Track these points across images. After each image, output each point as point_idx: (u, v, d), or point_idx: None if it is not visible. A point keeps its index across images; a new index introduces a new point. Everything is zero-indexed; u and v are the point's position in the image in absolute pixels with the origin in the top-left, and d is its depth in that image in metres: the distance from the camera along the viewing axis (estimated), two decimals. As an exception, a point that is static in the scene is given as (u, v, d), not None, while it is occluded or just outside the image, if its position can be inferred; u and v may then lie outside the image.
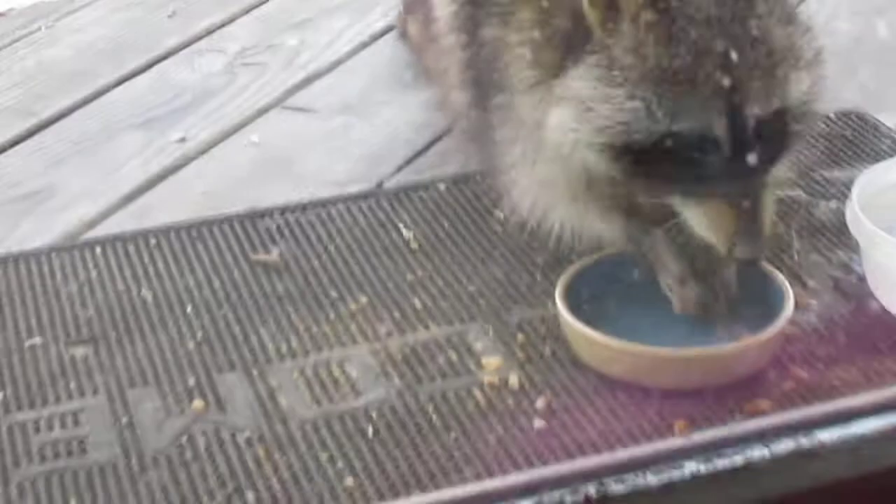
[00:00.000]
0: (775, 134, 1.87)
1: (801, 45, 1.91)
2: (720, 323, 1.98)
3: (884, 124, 2.59)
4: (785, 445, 1.16)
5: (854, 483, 1.16)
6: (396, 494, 1.72)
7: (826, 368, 1.93)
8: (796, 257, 2.18)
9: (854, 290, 2.10)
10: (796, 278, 2.11)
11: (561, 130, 1.91)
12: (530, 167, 2.05)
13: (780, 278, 2.00)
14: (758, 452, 1.15)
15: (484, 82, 2.10)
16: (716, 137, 1.83)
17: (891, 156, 2.44)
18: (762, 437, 1.16)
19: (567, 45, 1.90)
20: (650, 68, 1.82)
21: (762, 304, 1.98)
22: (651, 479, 1.14)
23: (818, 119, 2.02)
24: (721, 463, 1.14)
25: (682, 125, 1.82)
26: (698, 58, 1.81)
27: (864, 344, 1.98)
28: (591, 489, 1.16)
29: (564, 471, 1.23)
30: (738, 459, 1.14)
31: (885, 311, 2.04)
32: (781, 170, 2.00)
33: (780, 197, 2.23)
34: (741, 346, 1.89)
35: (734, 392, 1.87)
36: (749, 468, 1.14)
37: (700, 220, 1.90)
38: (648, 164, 1.87)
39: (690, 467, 1.13)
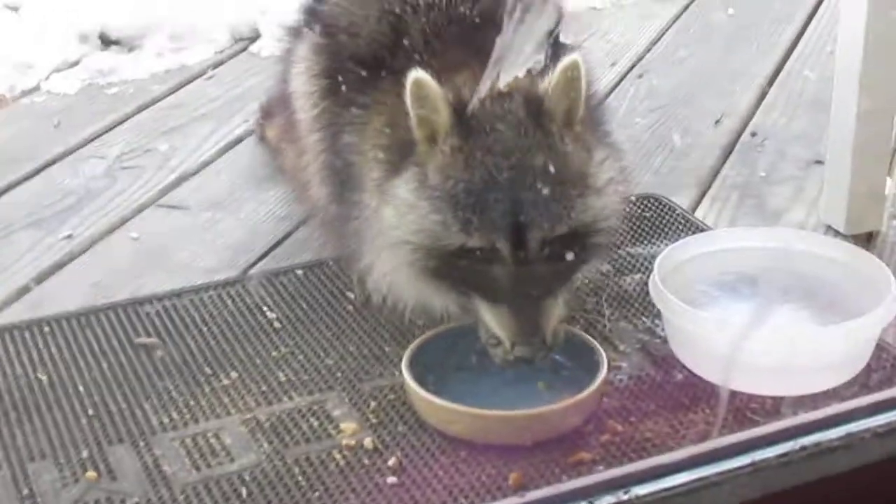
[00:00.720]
0: (563, 250, 1.89)
1: (594, 171, 1.94)
2: (542, 381, 2.00)
3: (678, 206, 2.63)
4: (606, 501, 1.16)
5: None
6: (270, 548, 1.72)
7: (638, 421, 1.96)
8: (607, 324, 2.20)
9: (659, 352, 2.13)
10: (608, 342, 2.14)
11: (389, 226, 1.95)
12: (379, 254, 2.06)
13: (593, 342, 2.03)
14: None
15: (342, 180, 2.11)
16: (500, 254, 1.86)
17: (685, 232, 2.49)
18: (586, 494, 1.16)
19: (401, 154, 1.94)
20: (450, 189, 1.87)
21: (578, 365, 2.01)
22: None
23: (612, 233, 2.03)
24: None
25: (472, 241, 1.86)
26: (488, 184, 1.85)
27: (670, 399, 2.02)
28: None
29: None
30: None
31: (686, 370, 2.07)
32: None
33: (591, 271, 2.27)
34: (563, 406, 1.91)
35: (559, 445, 1.90)
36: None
37: (489, 319, 1.93)
38: (450, 266, 1.91)
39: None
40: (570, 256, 1.89)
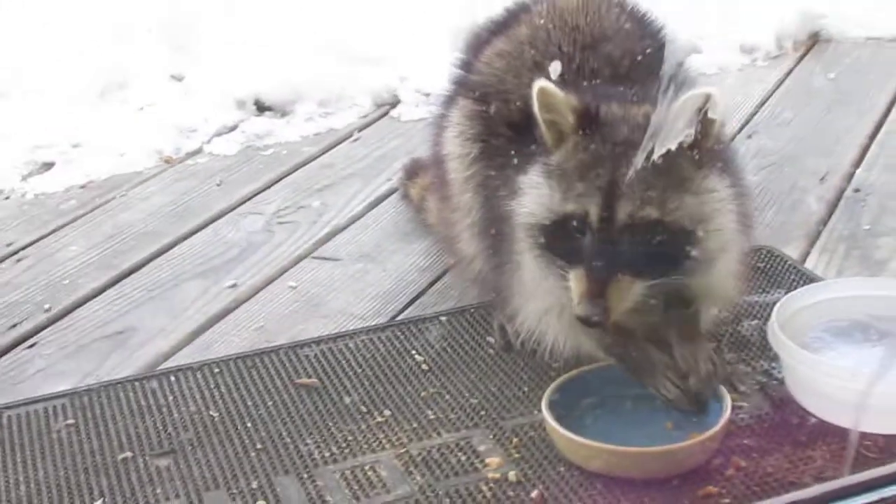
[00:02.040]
0: (649, 236, 1.89)
1: (699, 180, 1.93)
2: (670, 420, 1.99)
3: (790, 257, 2.61)
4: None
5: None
6: (425, 573, 1.72)
7: (760, 458, 1.94)
8: (728, 367, 2.18)
9: (777, 393, 2.10)
10: (728, 383, 2.11)
11: (516, 214, 2.01)
12: (528, 299, 2.08)
13: (719, 385, 2.01)
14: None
15: (494, 236, 2.13)
16: (590, 219, 1.89)
17: (797, 281, 2.46)
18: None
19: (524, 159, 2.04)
20: (562, 168, 1.94)
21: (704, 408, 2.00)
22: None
23: (713, 250, 1.98)
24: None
25: (569, 207, 1.92)
26: (594, 163, 1.91)
27: (788, 437, 1.99)
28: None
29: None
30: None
31: (802, 410, 2.04)
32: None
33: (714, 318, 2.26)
34: (691, 443, 1.90)
35: (688, 480, 1.88)
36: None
37: (571, 282, 1.93)
38: (554, 239, 1.95)
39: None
40: (654, 243, 1.89)
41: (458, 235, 2.30)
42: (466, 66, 2.33)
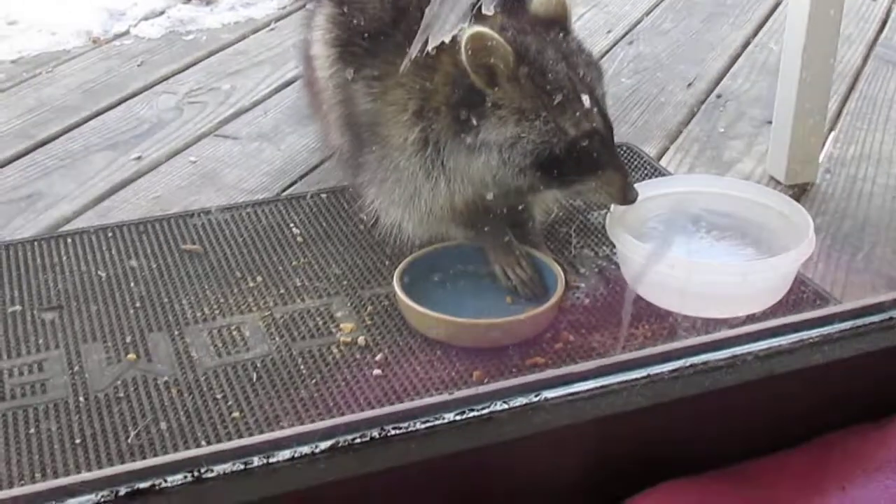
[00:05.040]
0: None
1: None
2: (509, 295, 2.00)
3: (647, 153, 2.60)
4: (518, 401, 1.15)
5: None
6: (270, 424, 1.72)
7: (587, 333, 1.95)
8: (573, 251, 2.19)
9: (612, 276, 2.11)
10: (571, 266, 2.12)
11: (486, 167, 1.93)
12: (389, 195, 2.06)
13: (554, 264, 2.02)
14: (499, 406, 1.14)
15: (356, 133, 2.10)
16: (598, 131, 1.90)
17: (649, 177, 2.46)
18: (503, 395, 1.16)
19: (459, 109, 1.92)
20: (549, 102, 1.87)
21: (541, 283, 2.01)
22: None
23: None
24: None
25: (580, 129, 1.89)
26: (571, 86, 1.89)
27: (615, 316, 2.00)
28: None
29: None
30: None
31: (633, 293, 2.05)
32: None
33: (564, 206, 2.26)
34: (524, 316, 1.90)
35: (518, 350, 1.89)
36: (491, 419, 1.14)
37: (599, 189, 1.95)
38: (559, 165, 1.91)
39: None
40: None
41: (327, 126, 2.27)
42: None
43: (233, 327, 1.96)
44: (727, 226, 2.14)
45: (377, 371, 1.84)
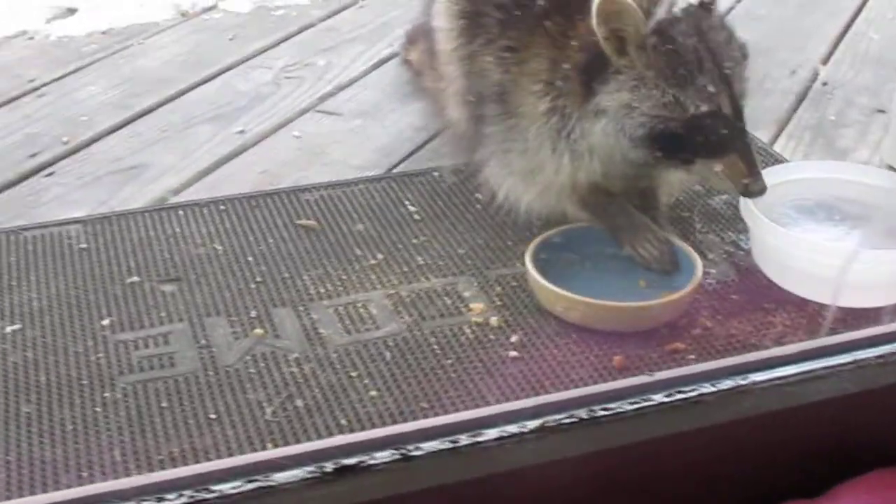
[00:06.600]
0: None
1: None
2: (643, 279, 1.93)
3: (760, 139, 2.53)
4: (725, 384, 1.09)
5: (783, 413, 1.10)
6: (409, 404, 1.67)
7: (724, 320, 1.88)
8: (698, 235, 2.12)
9: (743, 263, 2.05)
10: (698, 251, 2.06)
11: (604, 134, 1.88)
12: (510, 167, 1.99)
13: (689, 249, 1.95)
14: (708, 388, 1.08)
15: (479, 107, 2.04)
16: (724, 113, 1.83)
17: (766, 163, 2.39)
18: (710, 377, 1.10)
19: (586, 76, 1.85)
20: (671, 74, 1.80)
21: (678, 269, 1.94)
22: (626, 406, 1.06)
23: None
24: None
25: (703, 108, 1.81)
26: (699, 63, 1.81)
27: (751, 303, 1.93)
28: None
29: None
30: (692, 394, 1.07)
31: (766, 279, 1.99)
32: None
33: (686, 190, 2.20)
34: (664, 301, 1.85)
35: (657, 335, 1.83)
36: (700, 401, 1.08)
37: (722, 175, 1.89)
38: (678, 142, 1.85)
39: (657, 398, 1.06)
40: None
41: (445, 102, 2.21)
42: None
43: (359, 304, 1.91)
44: (859, 214, 2.08)
45: (513, 353, 1.78)
